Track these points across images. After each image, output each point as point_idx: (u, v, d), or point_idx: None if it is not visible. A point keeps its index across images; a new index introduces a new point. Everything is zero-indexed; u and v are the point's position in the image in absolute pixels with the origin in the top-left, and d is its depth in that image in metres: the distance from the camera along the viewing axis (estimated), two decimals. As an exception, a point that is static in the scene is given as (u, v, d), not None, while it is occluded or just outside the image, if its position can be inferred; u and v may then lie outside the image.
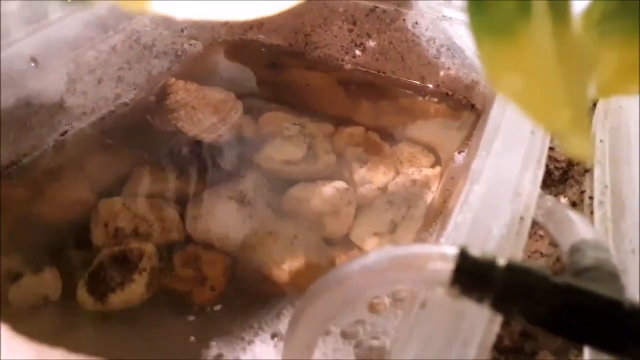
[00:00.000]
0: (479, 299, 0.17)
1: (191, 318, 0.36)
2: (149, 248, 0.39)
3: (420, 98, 0.58)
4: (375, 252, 0.19)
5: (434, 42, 0.56)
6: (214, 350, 0.32)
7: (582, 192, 0.35)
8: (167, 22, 0.52)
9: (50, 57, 0.40)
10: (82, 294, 0.36)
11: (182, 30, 0.53)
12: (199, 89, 0.51)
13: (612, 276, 0.18)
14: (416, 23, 0.55)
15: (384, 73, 0.59)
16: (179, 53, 0.53)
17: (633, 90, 0.19)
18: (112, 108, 0.46)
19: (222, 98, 0.53)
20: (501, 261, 0.17)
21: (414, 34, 0.56)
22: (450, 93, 0.57)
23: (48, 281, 0.37)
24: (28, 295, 0.36)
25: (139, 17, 0.48)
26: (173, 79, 0.49)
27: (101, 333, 0.36)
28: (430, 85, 0.58)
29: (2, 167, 0.39)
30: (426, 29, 0.55)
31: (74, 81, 0.42)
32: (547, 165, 0.38)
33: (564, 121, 0.17)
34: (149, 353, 0.33)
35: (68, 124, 0.43)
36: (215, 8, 0.16)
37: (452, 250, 0.18)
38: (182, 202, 0.43)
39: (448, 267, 0.17)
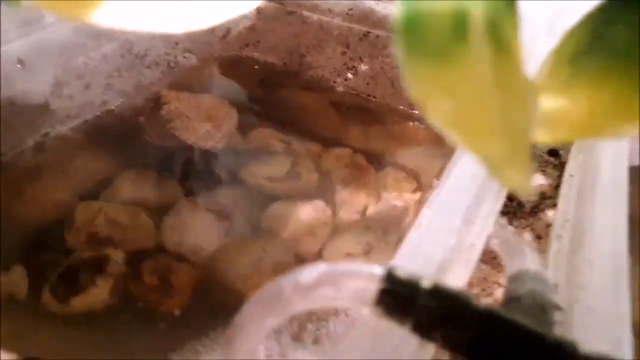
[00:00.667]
0: (401, 321, 0.17)
1: (152, 327, 0.36)
2: (117, 254, 0.39)
3: (410, 124, 0.59)
4: (308, 268, 0.19)
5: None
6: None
7: (548, 225, 0.35)
8: (163, 34, 0.53)
9: (39, 60, 0.40)
10: (46, 295, 0.36)
11: (176, 43, 0.54)
12: (192, 97, 0.52)
13: (542, 309, 0.18)
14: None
15: (374, 97, 0.60)
16: (172, 65, 0.54)
17: (606, 133, 0.19)
18: (98, 113, 0.46)
19: (216, 105, 0.54)
20: (425, 283, 0.17)
21: (404, 60, 0.56)
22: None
23: (15, 280, 0.37)
24: (-8, 293, 0.36)
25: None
26: (166, 91, 0.50)
27: (59, 335, 0.36)
28: (417, 112, 0.58)
29: (-22, 164, 0.40)
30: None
31: (61, 85, 0.43)
32: (518, 197, 0.38)
33: (497, 151, 0.17)
34: (102, 356, 0.33)
35: (51, 126, 0.43)
36: (157, 21, 0.16)
37: (379, 270, 0.18)
38: (160, 211, 0.44)
39: (373, 286, 0.17)
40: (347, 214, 0.48)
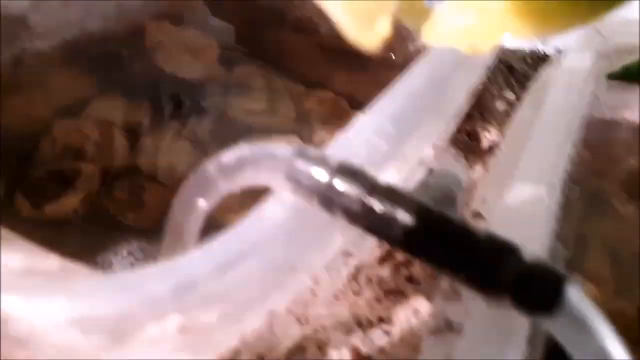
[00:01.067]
0: (308, 197, 0.18)
1: (115, 236, 0.38)
2: (90, 168, 0.41)
3: (397, 72, 0.59)
4: (230, 150, 0.20)
5: (408, 15, 0.56)
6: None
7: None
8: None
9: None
10: (20, 200, 0.38)
11: (163, -27, 0.55)
12: (174, 30, 0.53)
13: (448, 201, 0.19)
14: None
15: (359, 41, 0.60)
16: (157, -5, 0.54)
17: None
18: (77, 33, 0.47)
19: (197, 38, 0.55)
20: (332, 162, 0.18)
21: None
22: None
23: (-12, 185, 0.38)
24: (-36, 194, 0.38)
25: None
26: (149, 22, 0.50)
27: (32, 238, 0.38)
28: (398, 59, 0.58)
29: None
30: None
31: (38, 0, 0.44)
32: (478, 136, 0.39)
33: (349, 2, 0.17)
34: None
35: (29, 42, 0.44)
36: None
37: (293, 149, 0.19)
38: (137, 134, 0.45)
39: (284, 163, 0.19)
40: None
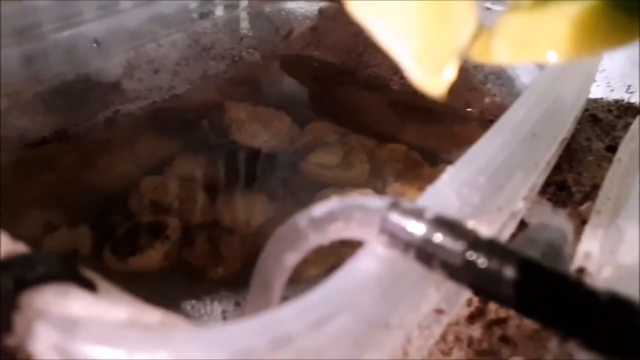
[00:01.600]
0: (404, 250, 0.18)
1: (199, 288, 0.38)
2: (175, 222, 0.42)
3: (467, 124, 0.59)
4: (321, 203, 0.20)
5: (482, 68, 0.56)
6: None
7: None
8: (228, 29, 0.56)
9: (113, 42, 0.45)
10: (107, 253, 0.40)
11: (241, 39, 0.58)
12: (250, 106, 0.55)
13: (556, 256, 0.18)
14: (465, 48, 0.56)
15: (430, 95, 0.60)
16: (236, 59, 0.57)
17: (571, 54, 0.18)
18: (166, 97, 0.50)
19: (270, 112, 0.56)
20: (428, 214, 0.18)
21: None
22: (494, 120, 0.57)
23: (80, 237, 0.40)
24: (59, 247, 0.40)
25: (201, 20, 0.52)
26: (228, 102, 0.53)
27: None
28: (475, 111, 0.58)
29: (54, 133, 0.44)
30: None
31: (132, 67, 0.47)
32: (570, 188, 0.37)
33: (414, 48, 0.17)
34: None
35: (121, 104, 0.48)
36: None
37: (385, 202, 0.19)
38: (215, 190, 0.46)
39: (378, 217, 0.18)
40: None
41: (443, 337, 0.30)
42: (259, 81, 0.61)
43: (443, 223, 0.18)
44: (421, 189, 0.50)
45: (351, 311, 0.18)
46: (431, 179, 0.53)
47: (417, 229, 0.18)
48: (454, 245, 0.17)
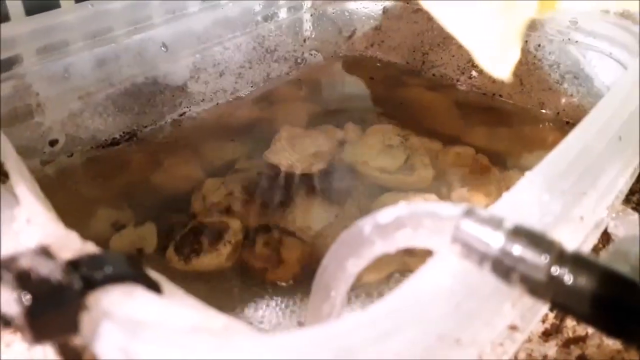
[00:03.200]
0: (479, 261, 0.16)
1: (260, 292, 0.38)
2: (237, 224, 0.42)
3: (539, 125, 0.56)
4: (388, 209, 0.19)
5: (558, 67, 0.53)
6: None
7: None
8: (291, 31, 0.56)
9: (180, 46, 0.46)
10: (171, 252, 0.40)
11: (304, 41, 0.58)
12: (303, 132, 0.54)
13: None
14: (539, 46, 0.53)
15: (500, 96, 0.58)
16: (299, 61, 0.57)
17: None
18: (230, 99, 0.51)
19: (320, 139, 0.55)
20: (507, 224, 0.16)
21: (535, 56, 0.54)
22: (570, 122, 0.53)
23: (146, 236, 0.41)
24: (126, 245, 0.40)
25: (265, 22, 0.53)
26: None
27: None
28: (549, 112, 0.55)
29: (123, 134, 0.46)
30: (550, 53, 0.53)
31: (198, 70, 0.48)
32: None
33: (484, 35, 0.17)
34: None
35: (187, 107, 0.48)
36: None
37: (459, 209, 0.17)
38: (276, 194, 0.46)
39: (451, 225, 0.17)
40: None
41: (514, 356, 0.28)
42: (320, 83, 0.61)
43: (524, 233, 0.16)
44: (488, 195, 0.48)
45: (419, 326, 0.17)
46: (500, 184, 0.51)
47: (494, 239, 0.16)
48: (537, 258, 0.16)
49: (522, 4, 0.17)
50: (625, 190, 0.31)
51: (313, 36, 0.59)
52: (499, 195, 0.55)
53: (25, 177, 0.23)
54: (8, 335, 0.21)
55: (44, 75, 0.40)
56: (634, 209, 0.31)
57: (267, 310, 0.37)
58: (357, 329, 0.17)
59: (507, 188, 0.52)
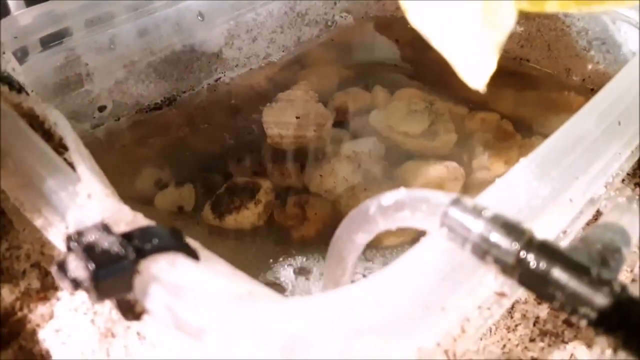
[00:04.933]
0: (461, 243, 0.19)
1: (286, 246, 0.42)
2: (268, 184, 0.46)
3: (565, 92, 0.56)
4: (390, 192, 0.22)
5: (586, 33, 0.53)
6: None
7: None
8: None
9: (215, 14, 0.48)
10: (207, 210, 0.44)
11: (335, 3, 0.59)
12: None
13: (604, 257, 0.19)
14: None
15: (527, 61, 0.58)
16: (329, 23, 0.59)
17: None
18: (262, 64, 0.53)
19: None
20: (487, 213, 0.19)
21: (564, 22, 0.54)
22: (595, 89, 0.54)
23: (185, 195, 0.45)
24: (168, 203, 0.45)
25: (297, -13, 0.54)
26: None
27: (211, 243, 0.44)
28: (575, 79, 0.55)
29: (164, 99, 0.50)
30: (578, 20, 0.53)
31: (232, 37, 0.50)
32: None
33: (465, 51, 0.18)
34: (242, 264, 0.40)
35: (222, 72, 0.51)
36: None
37: (449, 197, 0.20)
38: (304, 156, 0.50)
39: (439, 210, 0.20)
40: (483, 177, 0.49)
41: (510, 314, 0.32)
42: (351, 45, 0.62)
43: (500, 222, 0.19)
44: (509, 162, 0.50)
45: (409, 295, 0.20)
46: (521, 151, 0.52)
47: (474, 226, 0.19)
48: (508, 244, 0.19)
49: (501, 19, 0.19)
50: (627, 169, 0.32)
51: (344, -2, 0.60)
52: (517, 161, 0.57)
53: (82, 153, 0.27)
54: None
55: (92, 46, 0.43)
56: (636, 186, 0.33)
57: (294, 264, 0.41)
58: (357, 296, 0.20)
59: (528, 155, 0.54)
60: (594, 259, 0.18)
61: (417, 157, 0.50)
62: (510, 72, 0.59)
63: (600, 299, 0.16)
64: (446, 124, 0.53)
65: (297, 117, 0.50)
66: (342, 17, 0.60)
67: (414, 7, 0.19)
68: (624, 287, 0.17)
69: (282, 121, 0.50)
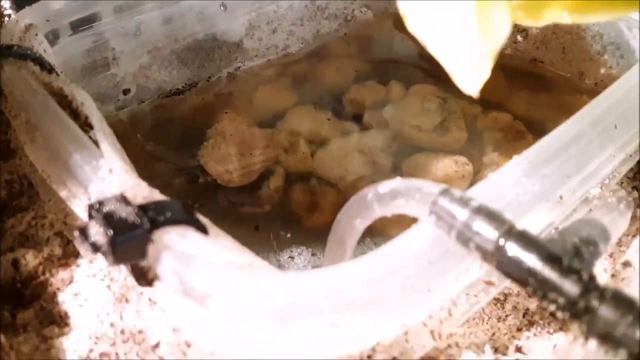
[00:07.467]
0: (447, 230, 0.21)
1: (296, 234, 0.44)
2: (279, 170, 0.48)
3: (578, 95, 0.57)
4: (386, 181, 0.24)
5: (601, 38, 0.54)
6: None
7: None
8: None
9: (237, 5, 0.50)
10: (222, 197, 0.46)
11: (355, -2, 0.60)
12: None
13: (578, 250, 0.20)
14: (585, 15, 0.54)
15: (541, 62, 0.59)
16: (349, 18, 0.60)
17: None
18: (281, 55, 0.55)
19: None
20: (473, 203, 0.21)
21: (579, 26, 0.54)
22: (607, 93, 0.55)
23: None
24: (187, 185, 0.47)
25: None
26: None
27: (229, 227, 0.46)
28: (588, 82, 0.56)
29: (185, 85, 0.52)
30: (594, 24, 0.53)
31: (253, 28, 0.52)
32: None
33: (461, 59, 0.20)
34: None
35: (241, 62, 0.53)
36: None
37: (439, 187, 0.22)
38: (317, 143, 0.51)
39: (429, 199, 0.21)
40: (491, 173, 0.50)
41: (502, 305, 0.33)
42: (369, 39, 0.63)
43: (484, 212, 0.21)
44: (517, 160, 0.51)
45: (398, 276, 0.22)
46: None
47: (460, 214, 0.21)
48: (489, 232, 0.20)
49: (496, 29, 0.20)
50: (624, 171, 0.33)
51: (364, -8, 0.62)
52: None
53: (106, 132, 0.29)
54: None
55: (119, 32, 0.46)
56: (634, 188, 0.34)
57: (301, 248, 0.43)
58: (349, 274, 0.22)
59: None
60: (567, 250, 0.20)
61: (426, 151, 0.51)
62: (526, 73, 0.60)
63: (568, 286, 0.18)
64: (458, 121, 0.54)
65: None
66: (361, 12, 0.62)
67: (413, 15, 0.21)
68: (592, 277, 0.18)
69: (221, 156, 0.47)
